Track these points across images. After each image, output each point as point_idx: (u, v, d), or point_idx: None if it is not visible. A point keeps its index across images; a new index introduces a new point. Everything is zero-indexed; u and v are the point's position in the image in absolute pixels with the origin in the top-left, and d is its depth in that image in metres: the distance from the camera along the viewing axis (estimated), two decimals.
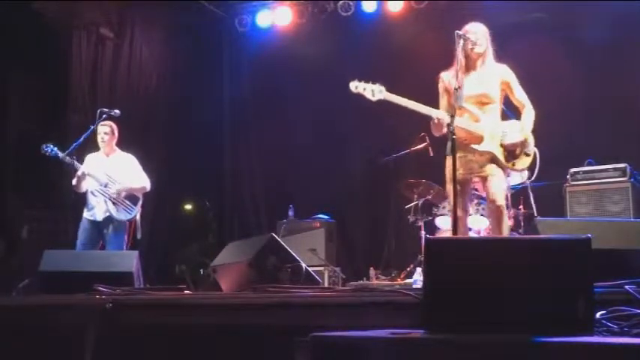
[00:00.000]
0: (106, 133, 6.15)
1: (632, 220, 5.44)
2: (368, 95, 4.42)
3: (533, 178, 5.89)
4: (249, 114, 9.33)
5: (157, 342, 3.27)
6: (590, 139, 6.96)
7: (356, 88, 4.46)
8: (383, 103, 4.44)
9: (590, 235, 2.06)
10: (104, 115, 5.83)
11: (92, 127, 5.93)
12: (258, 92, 9.21)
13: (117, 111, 5.95)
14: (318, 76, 8.44)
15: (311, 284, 4.00)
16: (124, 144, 7.94)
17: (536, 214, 6.22)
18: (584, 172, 6.18)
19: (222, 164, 9.39)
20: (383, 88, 4.42)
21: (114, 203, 6.00)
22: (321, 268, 7.10)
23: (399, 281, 6.73)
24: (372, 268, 7.23)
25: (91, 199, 6.06)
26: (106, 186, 5.97)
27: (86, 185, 6.06)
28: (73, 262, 4.44)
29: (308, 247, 7.20)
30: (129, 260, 4.37)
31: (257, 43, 9.20)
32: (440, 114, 4.40)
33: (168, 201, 8.79)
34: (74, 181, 6.00)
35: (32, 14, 7.18)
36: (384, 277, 7.13)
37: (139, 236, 6.17)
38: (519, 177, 6.06)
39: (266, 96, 9.07)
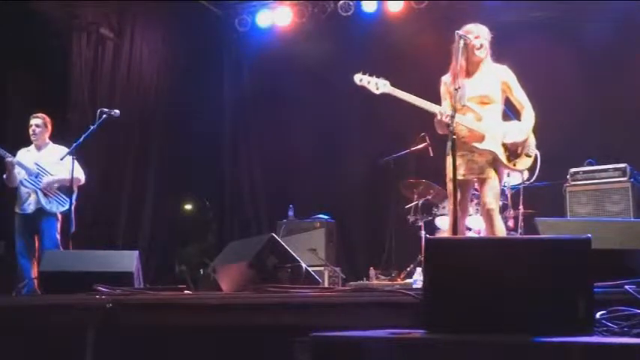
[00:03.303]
0: (37, 126, 6.10)
1: (632, 220, 5.44)
2: (372, 88, 4.41)
3: (533, 180, 5.86)
4: (249, 114, 9.33)
5: (157, 342, 3.27)
6: (590, 139, 6.96)
7: (360, 80, 4.44)
8: (384, 103, 4.43)
9: (590, 235, 2.06)
10: (104, 115, 5.79)
11: (92, 128, 5.87)
12: (258, 92, 9.21)
13: (117, 111, 5.89)
14: (318, 76, 8.44)
15: (311, 284, 4.00)
16: (123, 144, 8.00)
17: (522, 215, 6.24)
18: (584, 172, 6.18)
19: (222, 164, 9.39)
20: (387, 82, 4.41)
21: (45, 194, 5.90)
22: (321, 268, 7.11)
23: (399, 281, 6.72)
24: (372, 268, 7.22)
25: (22, 191, 5.96)
26: (36, 177, 5.87)
27: (18, 178, 5.96)
28: (73, 262, 4.44)
29: (308, 247, 7.20)
30: (129, 260, 4.37)
31: (257, 43, 9.20)
32: (442, 109, 4.37)
33: (169, 201, 8.79)
34: (5, 174, 5.92)
35: (32, 14, 7.18)
36: (384, 277, 7.12)
37: (72, 229, 5.90)
38: (519, 177, 6.05)
39: (266, 96, 9.07)
